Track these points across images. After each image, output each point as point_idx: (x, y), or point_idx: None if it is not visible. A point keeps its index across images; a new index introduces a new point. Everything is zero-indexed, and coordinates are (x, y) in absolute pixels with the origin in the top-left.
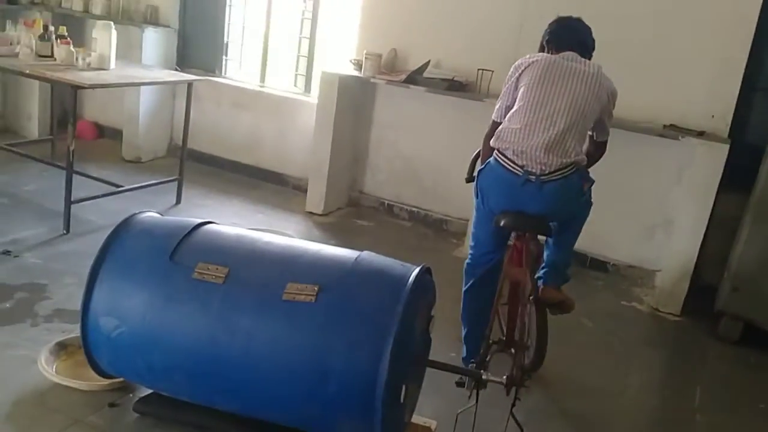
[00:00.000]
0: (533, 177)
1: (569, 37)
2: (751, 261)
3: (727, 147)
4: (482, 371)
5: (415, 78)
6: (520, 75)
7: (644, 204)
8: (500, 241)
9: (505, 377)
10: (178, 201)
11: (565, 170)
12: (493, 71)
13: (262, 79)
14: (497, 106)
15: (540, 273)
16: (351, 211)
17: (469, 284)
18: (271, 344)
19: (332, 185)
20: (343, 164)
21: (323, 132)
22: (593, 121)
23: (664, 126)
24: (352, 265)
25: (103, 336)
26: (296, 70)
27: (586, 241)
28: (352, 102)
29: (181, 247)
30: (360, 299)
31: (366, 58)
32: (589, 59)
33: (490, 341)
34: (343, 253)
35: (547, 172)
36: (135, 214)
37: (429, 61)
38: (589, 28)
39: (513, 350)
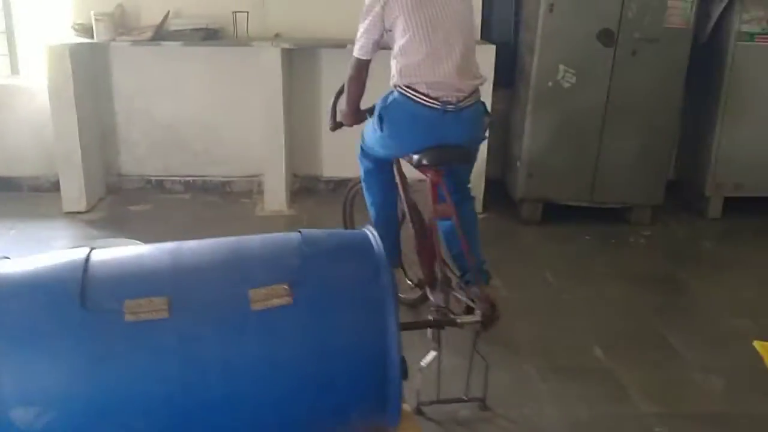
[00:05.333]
0: (451, 107)
1: None
2: (538, 147)
3: (494, 48)
4: (455, 317)
5: (163, 34)
6: (384, 5)
7: None
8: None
9: (479, 314)
10: None
11: (476, 96)
12: (248, 12)
13: None
14: (361, 43)
15: (466, 277)
16: (116, 198)
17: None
18: (253, 368)
19: (87, 176)
20: (93, 149)
21: (65, 116)
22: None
23: None
24: (307, 249)
25: None
26: None
27: None
28: (87, 75)
29: (89, 290)
30: (340, 282)
31: (96, 19)
32: None
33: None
34: (280, 239)
35: (462, 98)
36: None
37: (168, 12)
38: None
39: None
